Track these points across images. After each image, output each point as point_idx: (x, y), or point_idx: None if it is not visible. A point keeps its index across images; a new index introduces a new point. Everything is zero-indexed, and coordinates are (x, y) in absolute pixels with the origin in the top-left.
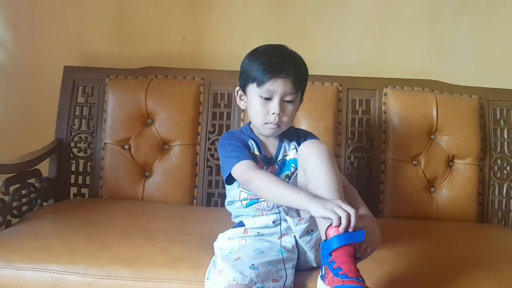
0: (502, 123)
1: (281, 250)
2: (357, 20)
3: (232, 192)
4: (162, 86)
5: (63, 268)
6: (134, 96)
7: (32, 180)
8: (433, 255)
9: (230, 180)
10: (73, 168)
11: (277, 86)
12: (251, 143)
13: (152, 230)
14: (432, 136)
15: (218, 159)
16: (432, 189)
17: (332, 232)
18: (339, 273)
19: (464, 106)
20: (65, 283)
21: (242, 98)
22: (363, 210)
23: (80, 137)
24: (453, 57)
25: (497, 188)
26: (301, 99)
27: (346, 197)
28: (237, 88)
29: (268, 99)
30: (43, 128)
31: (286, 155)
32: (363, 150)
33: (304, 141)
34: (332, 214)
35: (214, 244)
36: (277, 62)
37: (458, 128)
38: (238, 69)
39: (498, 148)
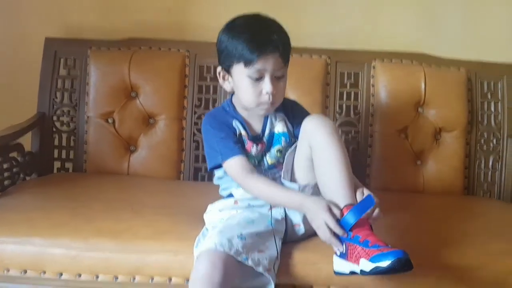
0: (489, 96)
1: (271, 222)
2: None
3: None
4: (146, 59)
5: (46, 241)
6: (117, 68)
7: (14, 154)
8: (419, 228)
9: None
10: (56, 142)
11: (267, 64)
12: (236, 124)
13: (138, 204)
14: (419, 109)
15: None
16: (419, 162)
17: (344, 210)
18: (369, 244)
19: (452, 79)
20: (49, 256)
21: (226, 78)
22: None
23: (63, 110)
24: (442, 29)
25: (483, 161)
26: None
27: None
28: (219, 69)
29: (258, 79)
30: (24, 101)
31: (273, 128)
32: (350, 124)
33: (291, 110)
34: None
35: (204, 216)
36: (262, 36)
37: (446, 101)
38: None
39: (485, 121)
